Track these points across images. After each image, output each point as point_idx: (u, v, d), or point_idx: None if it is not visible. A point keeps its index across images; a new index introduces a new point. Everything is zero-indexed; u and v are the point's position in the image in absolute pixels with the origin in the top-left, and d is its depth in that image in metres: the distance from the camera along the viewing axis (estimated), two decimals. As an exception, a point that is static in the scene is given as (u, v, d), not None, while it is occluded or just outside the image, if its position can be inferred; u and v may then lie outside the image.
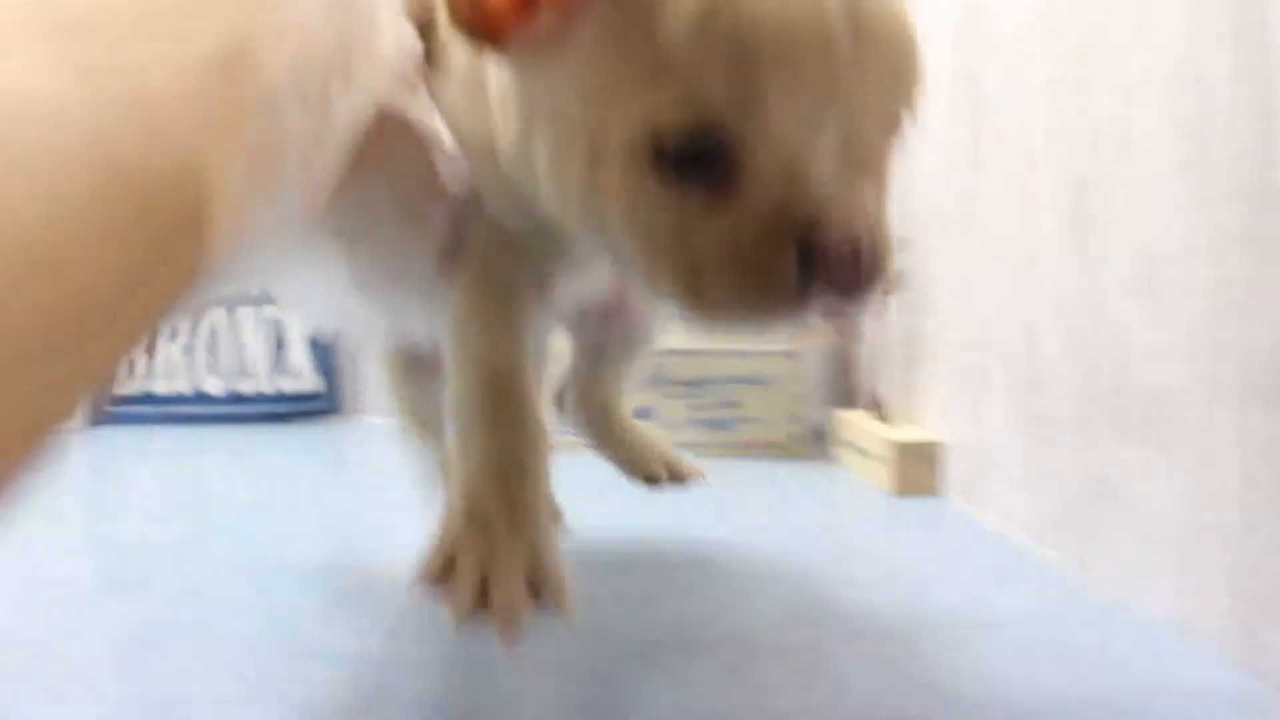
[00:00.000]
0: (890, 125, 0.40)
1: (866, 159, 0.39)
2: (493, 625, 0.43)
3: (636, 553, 0.91)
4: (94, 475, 1.29)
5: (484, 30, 0.41)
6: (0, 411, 0.23)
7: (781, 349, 1.32)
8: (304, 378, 1.73)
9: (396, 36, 0.44)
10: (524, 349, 0.52)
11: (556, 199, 0.44)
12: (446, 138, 0.49)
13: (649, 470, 0.79)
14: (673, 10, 0.37)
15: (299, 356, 1.71)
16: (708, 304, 0.40)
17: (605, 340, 0.77)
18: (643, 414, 1.32)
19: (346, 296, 0.61)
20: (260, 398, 1.71)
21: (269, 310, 1.71)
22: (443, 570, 0.44)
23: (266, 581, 0.81)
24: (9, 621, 0.71)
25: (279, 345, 1.73)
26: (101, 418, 1.58)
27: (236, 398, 1.72)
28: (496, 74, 0.45)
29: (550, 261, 0.54)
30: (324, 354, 1.72)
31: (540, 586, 0.44)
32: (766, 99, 0.36)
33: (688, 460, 0.81)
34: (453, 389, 0.51)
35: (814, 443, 1.35)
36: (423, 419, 0.79)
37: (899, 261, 0.40)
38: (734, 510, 1.07)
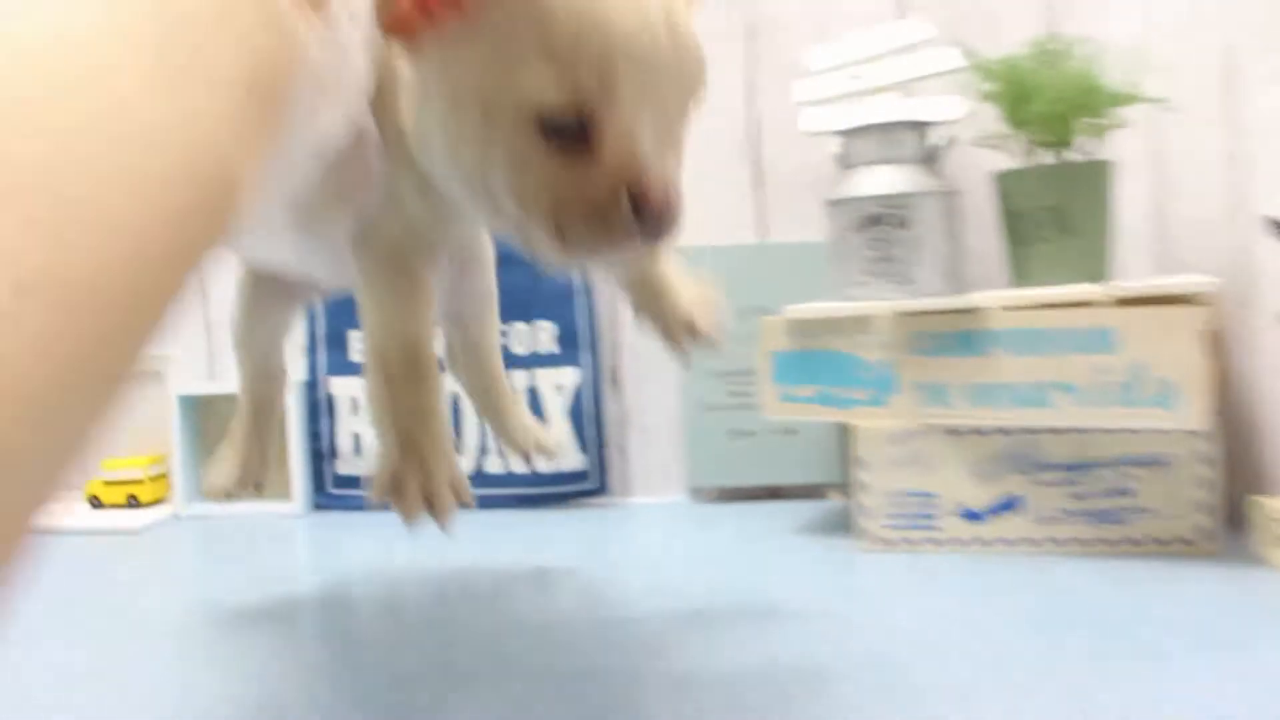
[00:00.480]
0: (686, 112, 0.57)
1: (672, 136, 0.56)
2: (435, 520, 0.68)
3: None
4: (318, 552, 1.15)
5: (396, 30, 0.54)
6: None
7: (1182, 425, 1.09)
8: (565, 455, 1.54)
9: (360, 48, 0.54)
10: (428, 318, 0.69)
11: (451, 168, 0.58)
12: (374, 134, 0.62)
13: (521, 448, 1.06)
14: (555, 19, 0.51)
15: (558, 430, 1.52)
16: (567, 241, 0.55)
17: (460, 307, 0.96)
18: (1009, 505, 1.16)
19: (277, 248, 0.76)
20: (511, 477, 1.51)
21: (519, 378, 1.51)
22: (392, 487, 0.67)
23: None
24: None
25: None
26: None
27: (482, 477, 1.55)
28: (406, 68, 0.58)
29: (439, 233, 0.70)
30: (588, 427, 1.55)
31: (458, 491, 0.69)
32: (617, 89, 0.52)
33: (552, 439, 1.09)
34: (373, 352, 0.68)
35: (1228, 536, 1.13)
36: (251, 341, 0.97)
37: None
38: (1152, 631, 0.88)
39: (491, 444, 1.56)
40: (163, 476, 1.66)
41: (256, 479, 1.00)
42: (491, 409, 1.04)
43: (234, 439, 1.00)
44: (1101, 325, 1.10)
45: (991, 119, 1.30)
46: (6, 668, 0.88)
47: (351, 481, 1.59)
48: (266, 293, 0.94)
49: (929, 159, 1.28)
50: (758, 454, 1.51)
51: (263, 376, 1.00)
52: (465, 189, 0.60)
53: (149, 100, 0.34)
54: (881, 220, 1.26)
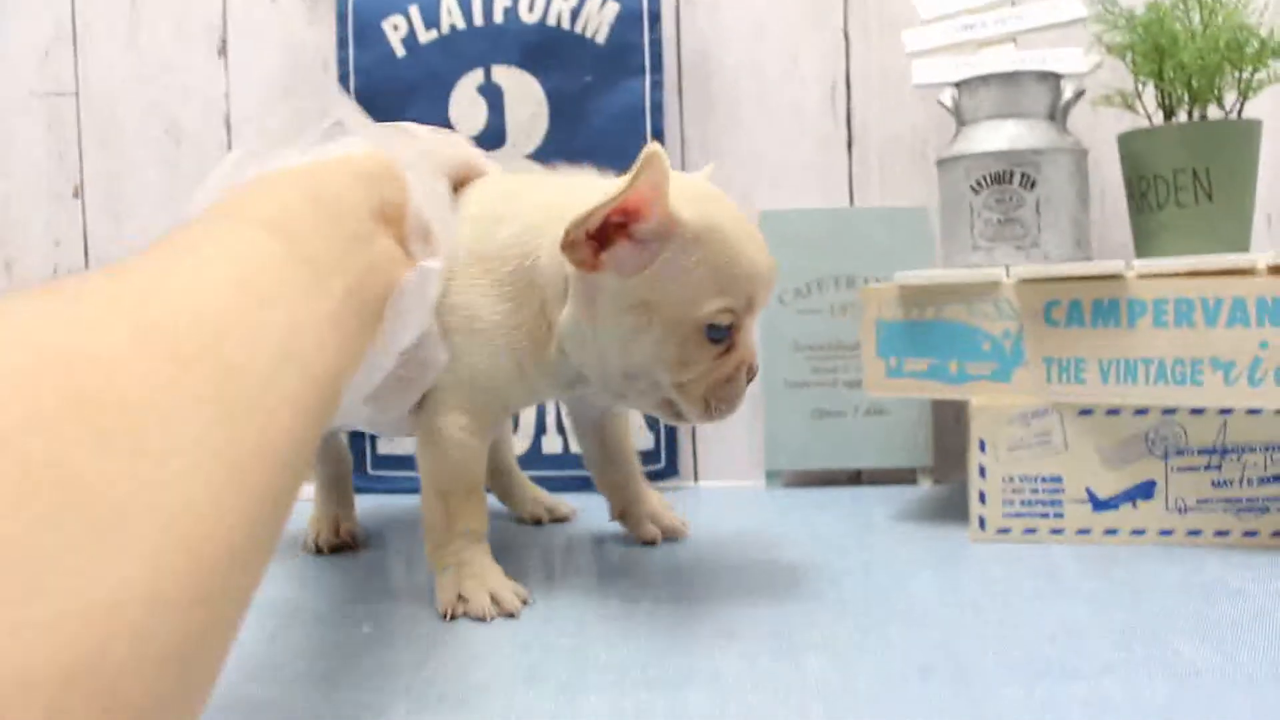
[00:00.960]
0: None
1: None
2: (505, 614, 0.86)
3: None
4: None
5: (583, 266, 0.79)
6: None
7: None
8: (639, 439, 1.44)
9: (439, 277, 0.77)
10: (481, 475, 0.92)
11: (614, 358, 0.83)
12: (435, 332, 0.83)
13: (534, 514, 1.24)
14: (726, 265, 0.80)
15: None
16: (711, 407, 0.84)
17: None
18: (1143, 492, 1.06)
19: (349, 417, 0.94)
20: (568, 459, 1.42)
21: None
22: (459, 604, 0.86)
23: None
24: None
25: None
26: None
27: (540, 458, 1.45)
28: (575, 283, 0.82)
29: (532, 400, 1.01)
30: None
31: (517, 593, 0.88)
32: (754, 309, 0.84)
33: (564, 503, 1.26)
34: (435, 491, 0.91)
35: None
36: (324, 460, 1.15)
37: None
38: None
39: (550, 423, 1.44)
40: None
41: (352, 531, 1.15)
42: (511, 499, 1.28)
43: (320, 505, 1.16)
44: (1261, 295, 0.98)
45: (1113, 75, 1.18)
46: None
47: (392, 462, 1.47)
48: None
49: (1058, 114, 1.16)
50: (843, 435, 1.40)
51: (334, 452, 1.18)
52: (620, 373, 0.83)
53: (307, 331, 0.49)
54: (1006, 179, 1.14)
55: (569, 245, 0.78)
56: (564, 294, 0.82)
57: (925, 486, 1.40)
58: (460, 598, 0.86)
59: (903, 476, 1.42)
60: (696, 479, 1.48)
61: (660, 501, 1.18)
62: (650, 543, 1.14)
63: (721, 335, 0.81)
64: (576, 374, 0.87)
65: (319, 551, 1.14)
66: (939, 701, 0.69)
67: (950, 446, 1.42)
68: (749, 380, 0.85)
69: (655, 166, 0.74)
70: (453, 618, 0.86)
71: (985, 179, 1.16)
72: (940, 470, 1.42)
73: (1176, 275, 1.03)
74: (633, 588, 0.98)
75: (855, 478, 1.44)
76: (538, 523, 1.26)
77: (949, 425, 1.42)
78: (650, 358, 0.80)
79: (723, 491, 1.44)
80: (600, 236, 0.78)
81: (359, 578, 1.06)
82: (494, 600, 0.86)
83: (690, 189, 0.82)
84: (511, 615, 0.88)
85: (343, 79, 1.47)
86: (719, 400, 0.83)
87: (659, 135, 1.41)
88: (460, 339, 0.86)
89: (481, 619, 0.87)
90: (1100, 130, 1.34)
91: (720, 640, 0.82)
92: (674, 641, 0.82)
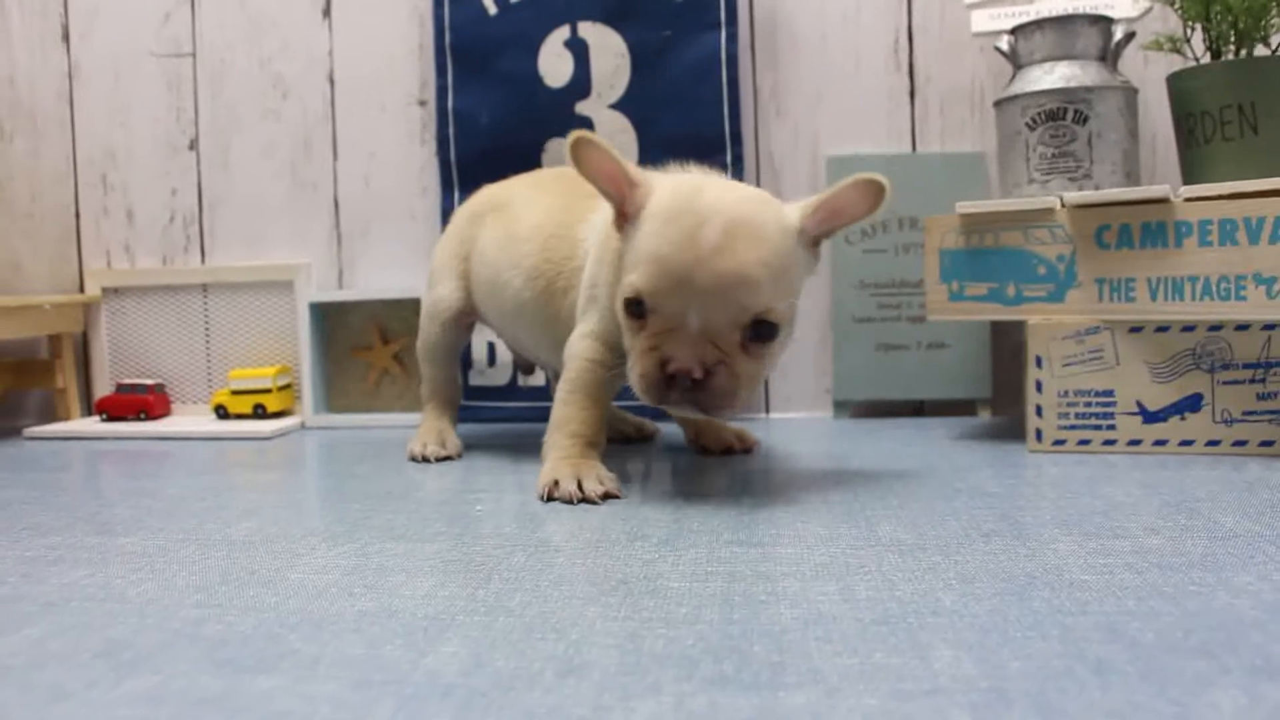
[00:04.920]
0: (737, 320, 0.89)
1: (714, 335, 0.89)
2: (588, 500, 0.97)
3: None
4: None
5: (619, 227, 0.99)
6: None
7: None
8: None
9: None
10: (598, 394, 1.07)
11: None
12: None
13: (623, 432, 1.38)
14: (647, 249, 0.91)
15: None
16: (635, 380, 0.92)
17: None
18: (1191, 405, 1.12)
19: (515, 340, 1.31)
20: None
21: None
22: (552, 486, 0.98)
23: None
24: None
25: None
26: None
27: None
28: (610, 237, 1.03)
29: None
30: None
31: (603, 483, 0.99)
32: (657, 295, 0.89)
33: (649, 423, 1.41)
34: (555, 411, 1.07)
35: None
36: (448, 360, 1.37)
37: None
38: None
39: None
40: (289, 387, 1.65)
41: (458, 449, 1.28)
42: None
43: (431, 422, 1.32)
44: (1301, 215, 1.06)
45: (1162, 24, 1.26)
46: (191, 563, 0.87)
47: (483, 392, 1.57)
48: (457, 330, 1.34)
49: (1109, 55, 1.25)
50: (906, 368, 1.49)
51: (451, 382, 1.36)
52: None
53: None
54: (1060, 115, 1.23)
55: (615, 225, 0.99)
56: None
57: (984, 417, 1.48)
58: (555, 483, 0.98)
59: (962, 408, 1.51)
60: (768, 411, 1.57)
61: (731, 428, 1.28)
62: (728, 450, 1.25)
63: (635, 312, 0.91)
64: None
65: (425, 461, 1.25)
66: (1000, 554, 0.77)
67: (1008, 380, 1.50)
68: (681, 381, 0.89)
69: (586, 149, 0.94)
70: (548, 499, 0.98)
71: (1040, 115, 1.25)
72: (998, 403, 1.50)
73: (1220, 198, 1.11)
74: (717, 481, 1.09)
75: (918, 410, 1.53)
76: (626, 440, 1.38)
77: (1006, 359, 1.50)
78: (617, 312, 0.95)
79: (792, 421, 1.54)
80: (620, 214, 0.97)
81: (464, 478, 1.16)
82: (580, 487, 0.97)
83: (678, 186, 0.94)
84: (594, 502, 0.96)
85: (438, 35, 1.58)
86: (646, 389, 0.91)
87: (734, 85, 1.50)
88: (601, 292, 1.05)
89: (568, 502, 0.97)
90: (1149, 77, 1.41)
91: (801, 515, 0.92)
92: (758, 515, 0.92)
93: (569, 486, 0.97)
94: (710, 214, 0.88)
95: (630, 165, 0.96)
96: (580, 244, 1.13)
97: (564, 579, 0.73)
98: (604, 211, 1.07)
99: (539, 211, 1.20)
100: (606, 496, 0.97)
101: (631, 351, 0.92)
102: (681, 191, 0.93)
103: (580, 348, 1.06)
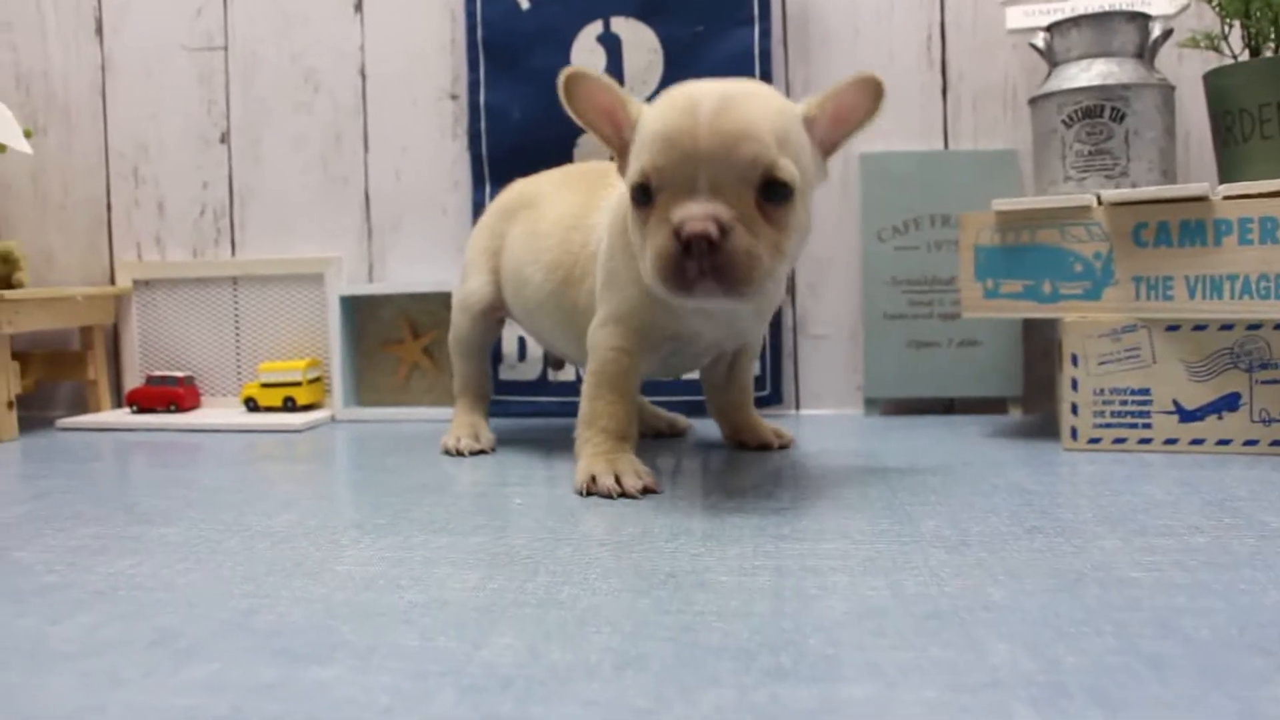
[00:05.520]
0: (745, 177, 0.86)
1: (724, 193, 0.85)
2: (628, 494, 0.97)
3: None
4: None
5: (621, 170, 1.00)
6: None
7: None
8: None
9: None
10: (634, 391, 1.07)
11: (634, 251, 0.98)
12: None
13: (656, 428, 1.38)
14: (643, 133, 0.91)
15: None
16: (653, 275, 0.88)
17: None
18: (1229, 403, 1.11)
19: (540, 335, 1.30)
20: (677, 384, 1.52)
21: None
22: (590, 482, 0.99)
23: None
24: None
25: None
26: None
27: (650, 384, 1.53)
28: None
29: (672, 322, 1.04)
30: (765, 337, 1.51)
31: (641, 478, 0.99)
32: (664, 169, 0.86)
33: (682, 419, 1.41)
34: (593, 373, 1.07)
35: None
36: (480, 354, 1.37)
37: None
38: None
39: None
40: (319, 380, 1.66)
41: (491, 443, 1.29)
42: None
43: (463, 416, 1.33)
44: (1342, 214, 1.05)
45: (1198, 21, 1.25)
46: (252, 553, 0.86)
47: (514, 387, 1.57)
48: (488, 324, 1.33)
49: (1146, 52, 1.24)
50: (937, 365, 1.49)
51: (483, 376, 1.36)
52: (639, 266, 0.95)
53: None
54: (1097, 113, 1.22)
55: (619, 170, 0.99)
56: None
57: (1015, 415, 1.48)
58: (593, 478, 0.99)
59: (993, 406, 1.51)
60: (798, 407, 1.57)
61: (768, 425, 1.28)
62: (764, 446, 1.25)
63: (642, 200, 0.89)
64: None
65: (459, 454, 1.26)
66: (1046, 550, 0.77)
67: (1039, 378, 1.50)
68: (696, 245, 0.83)
69: (581, 83, 0.95)
70: (586, 494, 0.99)
71: (1077, 113, 1.25)
72: (1030, 401, 1.50)
73: (1260, 196, 1.10)
74: (754, 477, 1.09)
75: (948, 407, 1.53)
76: (658, 435, 1.39)
77: (1038, 357, 1.50)
78: (628, 235, 0.96)
79: (823, 418, 1.53)
80: (620, 154, 0.97)
81: (498, 471, 1.16)
82: (618, 481, 0.98)
83: (679, 89, 0.91)
84: (633, 496, 0.98)
85: (470, 30, 1.58)
86: (662, 269, 0.86)
87: (767, 81, 1.49)
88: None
89: (608, 496, 0.98)
90: (1184, 75, 1.41)
91: (843, 510, 0.92)
92: (800, 511, 0.92)
93: (607, 481, 0.98)
94: (707, 90, 0.88)
95: (629, 96, 0.95)
96: (594, 230, 1.12)
97: (611, 572, 0.73)
98: (617, 192, 1.08)
99: (561, 206, 1.20)
100: (645, 491, 0.98)
101: (644, 243, 0.89)
102: (675, 89, 0.92)
103: (602, 336, 1.04)
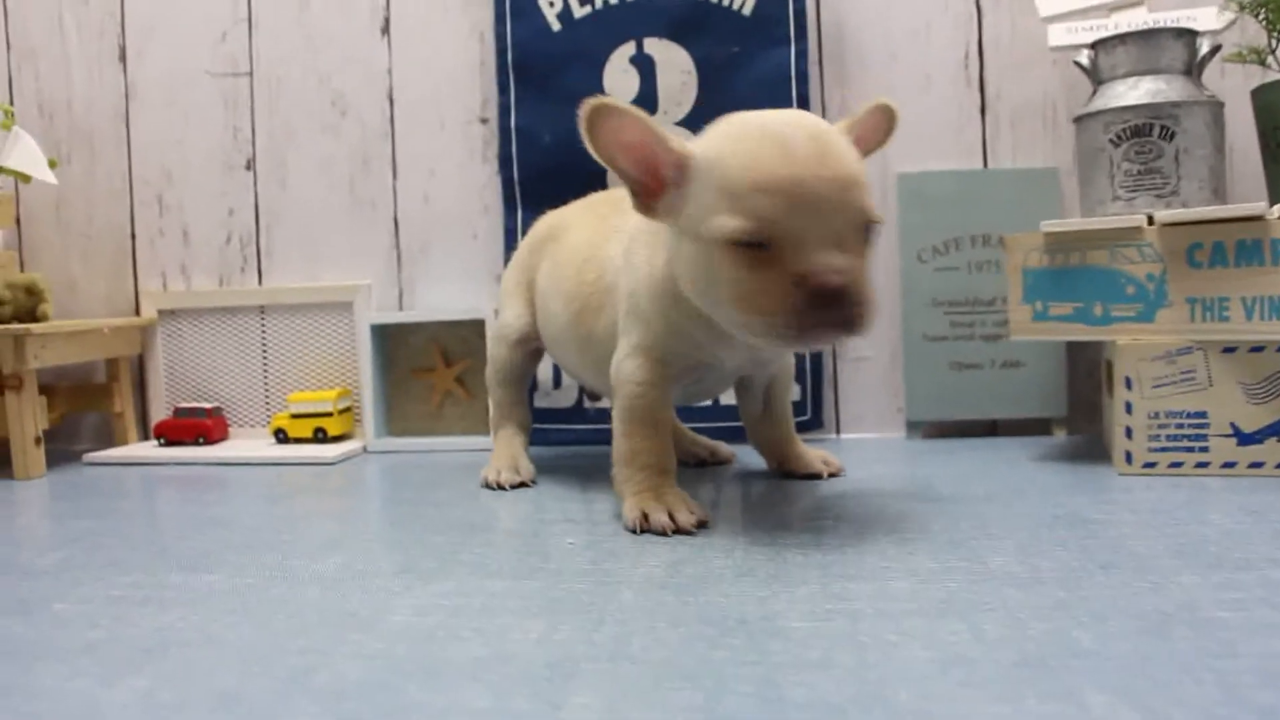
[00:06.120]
0: (855, 224, 0.83)
1: (842, 242, 0.82)
2: (683, 531, 0.94)
3: None
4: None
5: (644, 211, 0.93)
6: None
7: None
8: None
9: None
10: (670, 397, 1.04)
11: (690, 290, 0.92)
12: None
13: (698, 456, 1.35)
14: (732, 180, 0.84)
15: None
16: (765, 327, 0.83)
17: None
18: None
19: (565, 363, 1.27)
20: (717, 410, 1.50)
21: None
22: (642, 519, 0.96)
23: None
24: None
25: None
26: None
27: (687, 410, 1.51)
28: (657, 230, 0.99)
29: (697, 352, 1.02)
30: (803, 356, 1.49)
31: (694, 512, 0.97)
32: (777, 221, 0.81)
33: (724, 447, 1.38)
34: (623, 417, 1.05)
35: None
36: (519, 384, 1.36)
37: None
38: None
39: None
40: (349, 410, 1.63)
41: (532, 475, 1.26)
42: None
43: (503, 448, 1.30)
44: (1405, 232, 1.03)
45: (1243, 35, 1.23)
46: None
47: (550, 414, 1.55)
48: (525, 354, 1.31)
49: (1194, 69, 1.22)
50: (980, 387, 1.46)
51: (521, 406, 1.34)
52: (702, 302, 0.91)
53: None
54: (1146, 131, 1.20)
55: (637, 208, 0.92)
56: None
57: (1059, 436, 1.45)
58: (644, 516, 0.96)
59: (1037, 427, 1.48)
60: (839, 431, 1.54)
61: (815, 452, 1.25)
62: (814, 476, 1.22)
63: (757, 250, 0.82)
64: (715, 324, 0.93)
65: (500, 488, 1.24)
66: (1123, 587, 0.75)
67: (1083, 398, 1.47)
68: (823, 292, 0.80)
69: (606, 118, 0.87)
70: (640, 532, 0.96)
71: (1125, 132, 1.22)
72: (1074, 421, 1.47)
73: (1320, 215, 1.08)
74: (806, 508, 1.06)
75: (990, 429, 1.50)
76: (701, 464, 1.36)
77: (1082, 378, 1.47)
78: (701, 281, 0.88)
79: (865, 441, 1.50)
80: (646, 193, 0.91)
81: (542, 505, 1.14)
82: (671, 518, 0.96)
83: (730, 124, 0.89)
84: (689, 532, 0.96)
85: (500, 53, 1.56)
86: (782, 320, 0.82)
87: (804, 102, 1.47)
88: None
89: (662, 534, 0.96)
90: (1227, 89, 1.38)
91: (905, 545, 0.89)
92: (862, 547, 0.89)
93: (661, 518, 0.95)
94: (788, 128, 0.84)
95: (667, 132, 0.90)
96: (609, 261, 1.10)
97: (679, 619, 0.70)
98: (631, 221, 1.06)
99: (580, 236, 1.18)
100: (700, 525, 0.96)
101: (740, 291, 0.84)
102: (735, 126, 0.88)
103: (628, 370, 1.02)
